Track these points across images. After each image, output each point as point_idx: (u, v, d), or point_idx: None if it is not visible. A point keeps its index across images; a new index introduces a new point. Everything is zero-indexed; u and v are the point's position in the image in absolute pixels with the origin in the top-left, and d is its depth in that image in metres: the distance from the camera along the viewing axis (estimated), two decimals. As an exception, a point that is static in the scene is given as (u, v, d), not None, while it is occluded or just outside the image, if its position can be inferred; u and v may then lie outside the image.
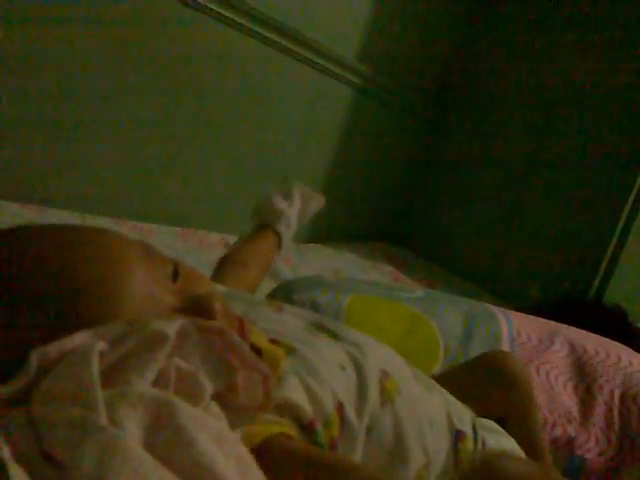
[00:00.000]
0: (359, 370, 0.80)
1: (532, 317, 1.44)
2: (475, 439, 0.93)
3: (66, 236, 0.62)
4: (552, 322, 1.41)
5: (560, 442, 1.16)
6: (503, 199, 2.25)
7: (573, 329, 1.38)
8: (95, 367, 0.46)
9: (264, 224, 1.31)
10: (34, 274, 0.56)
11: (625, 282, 1.96)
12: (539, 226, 2.11)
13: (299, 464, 0.61)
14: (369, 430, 0.77)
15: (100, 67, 1.69)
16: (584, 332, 1.38)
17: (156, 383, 0.49)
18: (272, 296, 1.28)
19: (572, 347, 1.30)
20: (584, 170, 1.99)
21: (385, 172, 2.52)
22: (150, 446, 0.43)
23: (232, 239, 2.04)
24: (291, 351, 0.77)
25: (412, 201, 2.58)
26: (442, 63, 2.50)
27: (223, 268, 1.20)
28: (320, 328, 0.86)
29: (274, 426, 0.64)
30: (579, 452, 1.15)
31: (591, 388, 1.23)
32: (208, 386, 0.53)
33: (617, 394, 1.22)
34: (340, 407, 0.75)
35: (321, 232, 2.39)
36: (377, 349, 0.88)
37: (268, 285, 1.75)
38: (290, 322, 0.85)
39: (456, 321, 1.24)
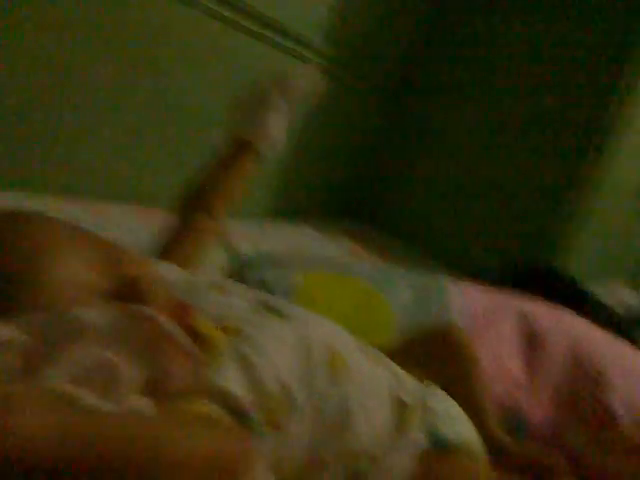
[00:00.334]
0: (307, 348, 0.82)
1: (483, 288, 1.48)
2: (419, 409, 0.96)
3: None
4: (502, 292, 1.45)
5: (506, 406, 1.20)
6: (463, 174, 2.27)
7: (522, 298, 1.42)
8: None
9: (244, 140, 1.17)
10: None
11: (576, 250, 2.01)
12: (497, 201, 2.14)
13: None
14: (316, 408, 0.79)
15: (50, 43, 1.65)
16: (533, 300, 1.42)
17: (74, 374, 0.50)
18: (225, 274, 1.29)
19: (521, 314, 1.34)
20: (541, 137, 2.01)
21: (346, 148, 2.52)
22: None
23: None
24: (237, 333, 0.78)
25: (373, 177, 2.59)
26: (406, 40, 2.50)
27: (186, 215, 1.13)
28: (267, 308, 0.87)
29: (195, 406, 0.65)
30: (524, 415, 1.20)
31: (538, 353, 1.28)
32: (132, 375, 0.54)
33: (562, 357, 1.27)
34: (287, 388, 0.76)
35: (281, 208, 2.40)
36: (323, 326, 0.90)
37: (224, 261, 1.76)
38: (235, 304, 0.86)
39: (408, 295, 1.27)
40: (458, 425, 1.01)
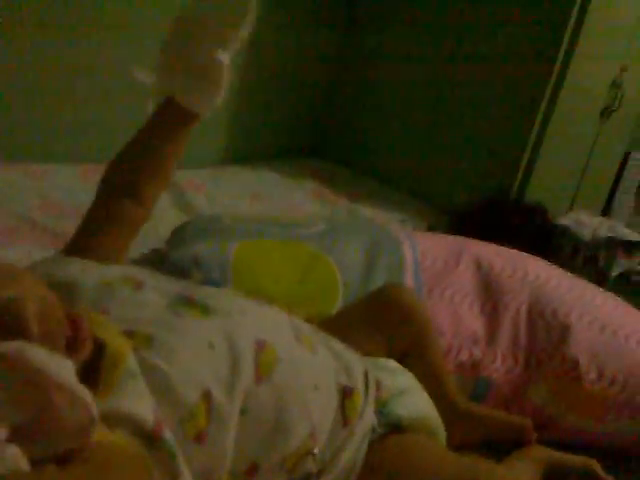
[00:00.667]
0: (232, 346, 0.75)
1: (439, 237, 1.41)
2: (366, 390, 0.91)
3: None
4: (459, 240, 1.38)
5: (466, 366, 1.15)
6: (424, 102, 2.16)
7: (481, 245, 1.35)
8: None
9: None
10: None
11: (543, 181, 1.94)
12: (461, 130, 2.04)
13: None
14: (243, 411, 0.73)
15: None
16: (492, 247, 1.35)
17: None
18: (146, 258, 1.19)
19: (478, 265, 1.27)
20: (503, 68, 1.91)
21: (302, 81, 2.39)
22: None
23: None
24: (147, 341, 0.70)
25: (332, 110, 2.47)
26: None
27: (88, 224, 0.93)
28: (187, 303, 0.79)
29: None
30: (485, 373, 1.15)
31: (497, 306, 1.22)
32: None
33: (524, 310, 1.21)
34: (207, 394, 0.70)
35: (237, 152, 2.28)
36: (254, 316, 0.83)
37: (177, 218, 1.66)
38: (151, 302, 0.78)
39: (357, 254, 1.20)
40: (411, 400, 0.96)
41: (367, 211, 2.04)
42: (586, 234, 1.82)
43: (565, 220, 1.88)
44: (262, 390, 0.75)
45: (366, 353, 1.01)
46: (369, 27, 2.27)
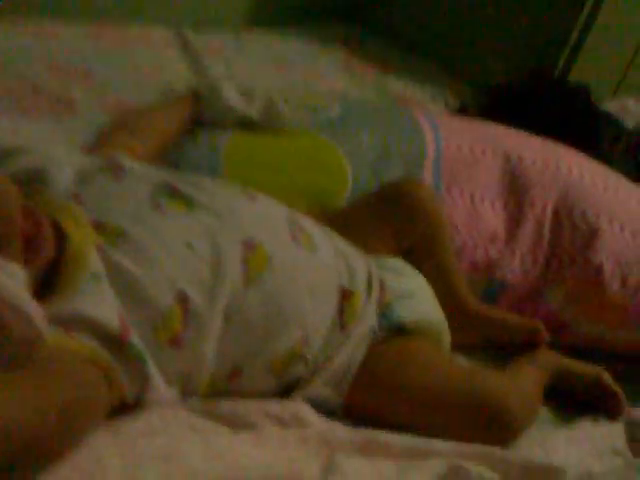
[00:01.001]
0: (215, 246, 0.70)
1: (467, 123, 1.30)
2: (369, 292, 0.86)
3: None
4: (489, 128, 1.26)
5: (480, 266, 1.09)
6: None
7: (512, 135, 1.24)
8: None
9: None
10: None
11: (591, 61, 1.76)
12: (508, 3, 1.84)
13: None
14: (228, 316, 0.69)
15: None
16: (524, 137, 1.24)
17: None
18: None
19: (507, 157, 1.17)
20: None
21: None
22: None
23: (166, 33, 1.79)
24: (117, 235, 0.65)
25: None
26: None
27: (106, 135, 0.98)
28: (171, 193, 0.73)
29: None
30: (500, 274, 1.09)
31: (522, 204, 1.13)
32: None
33: (550, 208, 1.13)
34: (183, 297, 0.66)
35: (262, 13, 2.11)
36: (244, 212, 0.76)
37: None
38: (131, 191, 0.72)
39: (372, 142, 1.10)
40: (417, 303, 0.92)
41: (397, 85, 1.91)
42: (630, 122, 1.67)
43: (609, 105, 1.72)
44: (250, 294, 0.71)
45: (373, 252, 0.95)
46: None
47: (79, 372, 0.55)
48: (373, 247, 0.96)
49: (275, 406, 0.71)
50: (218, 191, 0.78)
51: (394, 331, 0.87)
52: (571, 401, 0.98)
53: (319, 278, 0.79)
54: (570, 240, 1.10)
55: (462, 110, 1.75)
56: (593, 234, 1.09)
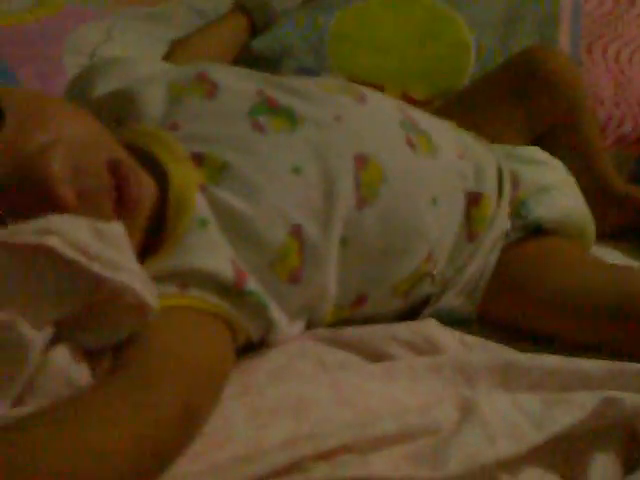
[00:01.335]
0: (324, 167, 0.63)
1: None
2: (500, 191, 0.77)
3: None
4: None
5: (628, 140, 0.95)
6: None
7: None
8: None
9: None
10: None
11: None
12: None
13: None
14: (344, 241, 0.63)
15: None
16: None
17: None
18: None
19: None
20: None
21: None
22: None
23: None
24: (221, 169, 0.60)
25: None
26: None
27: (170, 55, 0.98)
28: (270, 109, 0.65)
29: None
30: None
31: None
32: (35, 333, 0.42)
33: None
34: (297, 229, 0.60)
35: None
36: (353, 119, 0.67)
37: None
38: (228, 112, 0.65)
39: (496, 5, 0.94)
40: (556, 197, 0.80)
41: None
42: None
43: None
44: (366, 215, 0.64)
45: (502, 139, 0.84)
46: None
47: (202, 335, 0.53)
48: (502, 133, 0.85)
49: (404, 331, 0.67)
50: (322, 96, 0.69)
51: (530, 231, 0.79)
52: None
53: (441, 185, 0.71)
54: None
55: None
56: None
